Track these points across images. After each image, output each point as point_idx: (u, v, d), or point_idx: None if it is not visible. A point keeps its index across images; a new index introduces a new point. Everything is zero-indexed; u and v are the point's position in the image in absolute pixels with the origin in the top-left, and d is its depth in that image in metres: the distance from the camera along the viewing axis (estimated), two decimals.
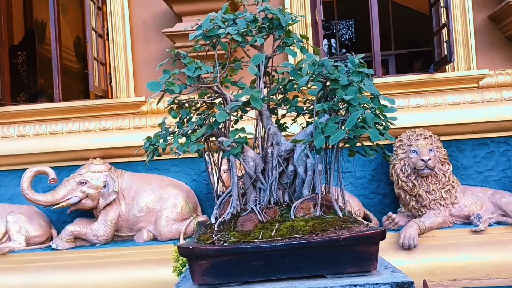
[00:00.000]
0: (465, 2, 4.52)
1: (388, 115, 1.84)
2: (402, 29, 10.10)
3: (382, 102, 1.84)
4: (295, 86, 2.09)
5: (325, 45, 10.48)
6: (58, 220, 4.58)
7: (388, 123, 1.85)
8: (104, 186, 4.19)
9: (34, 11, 8.61)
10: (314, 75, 1.86)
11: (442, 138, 4.16)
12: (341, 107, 1.87)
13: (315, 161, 1.96)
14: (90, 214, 4.35)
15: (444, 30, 4.40)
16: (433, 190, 3.96)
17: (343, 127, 1.73)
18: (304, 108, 2.20)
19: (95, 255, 4.07)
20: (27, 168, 4.20)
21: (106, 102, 4.72)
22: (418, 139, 3.98)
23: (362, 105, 1.76)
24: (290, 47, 2.14)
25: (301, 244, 1.76)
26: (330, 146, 2.00)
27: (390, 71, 9.42)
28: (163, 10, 4.74)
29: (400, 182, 4.01)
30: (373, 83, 1.87)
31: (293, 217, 1.90)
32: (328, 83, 1.89)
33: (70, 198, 4.16)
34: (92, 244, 4.21)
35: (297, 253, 1.77)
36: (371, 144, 1.84)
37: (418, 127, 4.13)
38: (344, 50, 11.19)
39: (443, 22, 4.44)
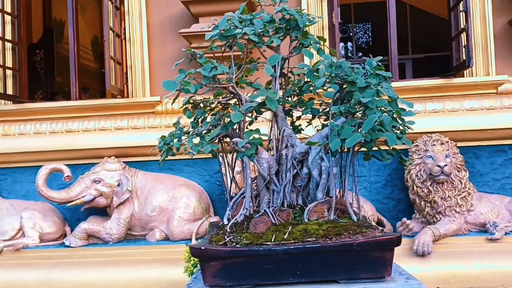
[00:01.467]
0: (485, 6, 4.46)
1: (406, 119, 1.81)
2: (420, 33, 10.01)
3: (400, 105, 1.80)
4: (311, 87, 2.07)
5: (341, 48, 10.44)
6: (72, 217, 4.62)
7: (406, 127, 1.81)
8: (118, 185, 4.21)
9: (53, 10, 8.73)
10: (331, 77, 1.84)
11: (459, 144, 4.10)
12: (358, 109, 1.84)
13: (330, 164, 1.94)
14: (103, 212, 4.37)
15: (463, 35, 4.34)
16: (448, 196, 3.90)
17: (359, 130, 1.70)
18: (320, 110, 2.18)
19: (107, 253, 4.09)
20: (42, 165, 4.24)
21: (122, 101, 4.75)
22: (434, 145, 3.93)
23: (379, 108, 1.73)
24: (307, 48, 2.12)
25: (314, 248, 1.73)
26: (346, 150, 1.98)
27: (407, 75, 9.35)
28: (180, 11, 4.76)
29: (415, 187, 3.96)
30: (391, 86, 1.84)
31: (306, 220, 1.87)
32: (345, 85, 1.86)
33: (84, 196, 4.18)
34: (105, 242, 4.24)
35: (310, 257, 1.75)
36: (387, 148, 1.81)
37: (434, 132, 4.08)
38: (360, 53, 11.13)
39: (462, 26, 4.39)
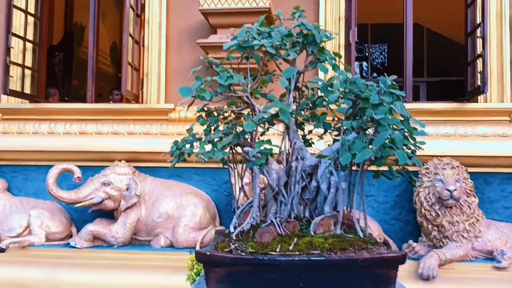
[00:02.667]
0: (502, 33, 4.47)
1: (417, 138, 1.82)
2: (436, 57, 10.02)
3: (412, 125, 1.81)
4: (325, 102, 2.08)
5: (356, 67, 10.48)
6: (79, 218, 4.66)
7: (417, 147, 1.82)
8: (127, 189, 4.24)
9: (74, 14, 8.89)
10: (344, 93, 1.86)
11: (470, 169, 4.08)
12: (370, 126, 1.85)
13: (339, 178, 1.94)
14: (110, 215, 4.40)
15: (479, 61, 4.35)
16: (456, 221, 3.87)
17: (370, 146, 1.72)
18: (332, 125, 2.19)
19: (111, 256, 4.11)
20: (54, 165, 4.29)
21: (136, 106, 4.81)
22: (445, 168, 3.91)
23: (391, 126, 1.74)
24: (323, 63, 2.14)
25: (319, 261, 1.73)
26: (355, 167, 1.98)
27: (421, 97, 9.34)
28: (199, 22, 4.83)
29: (423, 210, 3.94)
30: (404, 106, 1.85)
31: (312, 233, 1.88)
32: (358, 102, 1.88)
33: (92, 197, 4.22)
34: (110, 245, 4.25)
35: (314, 270, 1.74)
36: (397, 167, 1.81)
37: (445, 156, 4.06)
38: (375, 74, 11.15)
39: (478, 52, 4.39)
